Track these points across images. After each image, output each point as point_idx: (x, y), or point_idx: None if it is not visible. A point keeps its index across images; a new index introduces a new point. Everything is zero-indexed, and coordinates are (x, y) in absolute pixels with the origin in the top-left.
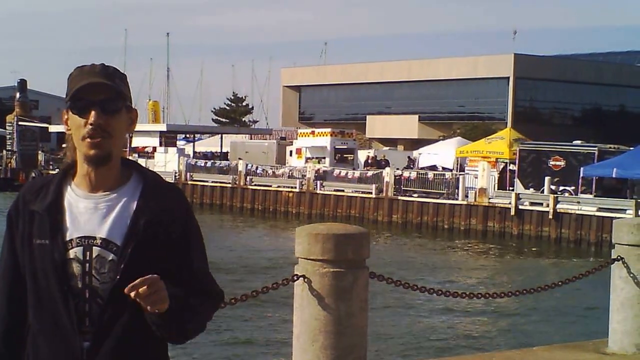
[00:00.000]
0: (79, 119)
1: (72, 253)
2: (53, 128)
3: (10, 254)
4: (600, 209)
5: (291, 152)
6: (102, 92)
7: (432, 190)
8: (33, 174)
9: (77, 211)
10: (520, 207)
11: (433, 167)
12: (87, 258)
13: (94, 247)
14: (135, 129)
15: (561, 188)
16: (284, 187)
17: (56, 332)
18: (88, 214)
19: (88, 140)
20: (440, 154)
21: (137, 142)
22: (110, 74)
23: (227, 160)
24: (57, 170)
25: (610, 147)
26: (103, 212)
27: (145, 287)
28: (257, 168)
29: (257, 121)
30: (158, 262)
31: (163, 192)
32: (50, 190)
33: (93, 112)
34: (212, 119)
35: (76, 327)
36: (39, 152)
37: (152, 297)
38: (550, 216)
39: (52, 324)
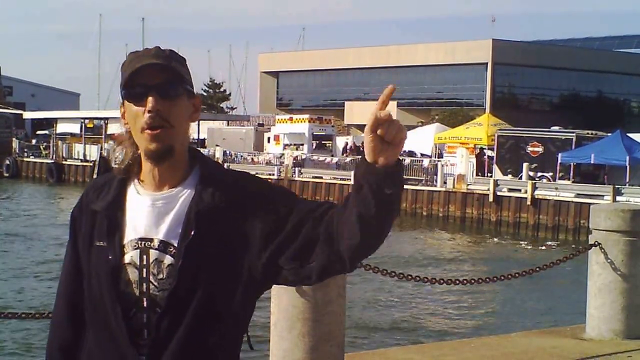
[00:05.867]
0: (135, 108)
1: (128, 257)
2: (27, 114)
3: (72, 257)
4: (578, 195)
5: (269, 138)
6: (158, 75)
7: (411, 177)
8: (7, 161)
9: (136, 210)
10: (499, 193)
11: (411, 154)
12: (144, 263)
13: (151, 250)
14: (111, 116)
15: (539, 174)
16: (261, 174)
17: (110, 344)
18: (145, 212)
19: (147, 132)
20: (419, 140)
21: (113, 129)
22: (167, 56)
23: (205, 147)
24: (117, 168)
25: (588, 133)
26: (161, 211)
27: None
28: (234, 155)
29: (235, 107)
30: (220, 260)
31: (220, 180)
32: (112, 187)
33: (150, 98)
34: None
35: (127, 339)
36: (13, 138)
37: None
38: (529, 202)
39: (105, 334)
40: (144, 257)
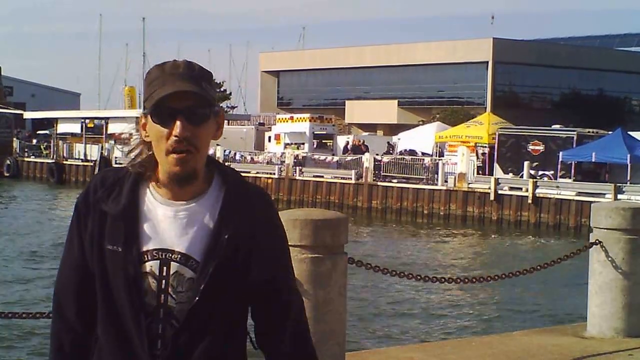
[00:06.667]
0: (160, 129)
1: (147, 266)
2: (28, 114)
3: (79, 250)
4: (579, 193)
5: (270, 138)
6: (187, 99)
7: (412, 176)
8: (8, 161)
9: (156, 219)
10: (500, 192)
11: (412, 152)
12: (164, 274)
13: (172, 263)
14: (112, 116)
15: (540, 172)
16: (262, 173)
17: (125, 352)
18: (166, 223)
19: (173, 155)
20: (420, 139)
21: (113, 128)
22: (196, 77)
23: None
24: (129, 166)
25: (589, 132)
26: (183, 223)
27: None
28: (235, 154)
29: (236, 107)
30: (240, 280)
31: (248, 199)
32: (125, 190)
33: (178, 123)
34: None
35: (147, 350)
36: (14, 138)
37: None
38: (530, 201)
39: (121, 342)
40: (164, 268)
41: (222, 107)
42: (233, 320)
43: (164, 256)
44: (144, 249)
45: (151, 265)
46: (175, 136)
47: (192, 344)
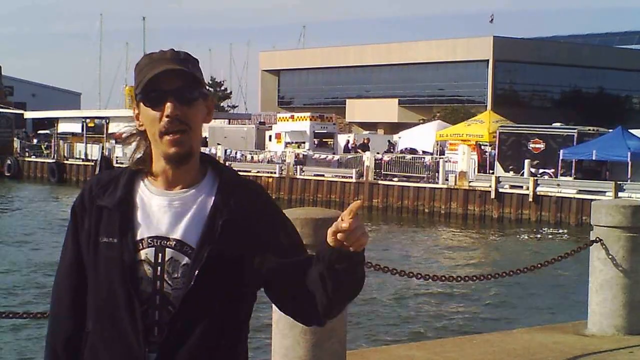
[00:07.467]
0: (152, 113)
1: (142, 254)
2: (28, 114)
3: (74, 252)
4: (579, 191)
5: (270, 137)
6: (176, 80)
7: (413, 174)
8: (9, 161)
9: (150, 209)
10: (500, 190)
11: (413, 151)
12: (159, 260)
13: (167, 249)
14: (112, 115)
15: (541, 171)
16: (263, 172)
17: (118, 341)
18: (161, 212)
19: (167, 137)
20: (420, 137)
21: (114, 128)
22: (183, 60)
23: (206, 145)
24: (125, 164)
25: (589, 130)
26: (178, 211)
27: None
28: (236, 153)
29: (236, 106)
30: (235, 265)
31: (240, 189)
32: (120, 184)
33: (169, 104)
34: None
35: (141, 336)
36: (15, 138)
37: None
38: (530, 199)
39: (114, 331)
40: (160, 254)
41: (211, 90)
42: (229, 307)
43: (159, 243)
44: (139, 237)
45: (146, 253)
46: (167, 116)
47: (188, 330)
